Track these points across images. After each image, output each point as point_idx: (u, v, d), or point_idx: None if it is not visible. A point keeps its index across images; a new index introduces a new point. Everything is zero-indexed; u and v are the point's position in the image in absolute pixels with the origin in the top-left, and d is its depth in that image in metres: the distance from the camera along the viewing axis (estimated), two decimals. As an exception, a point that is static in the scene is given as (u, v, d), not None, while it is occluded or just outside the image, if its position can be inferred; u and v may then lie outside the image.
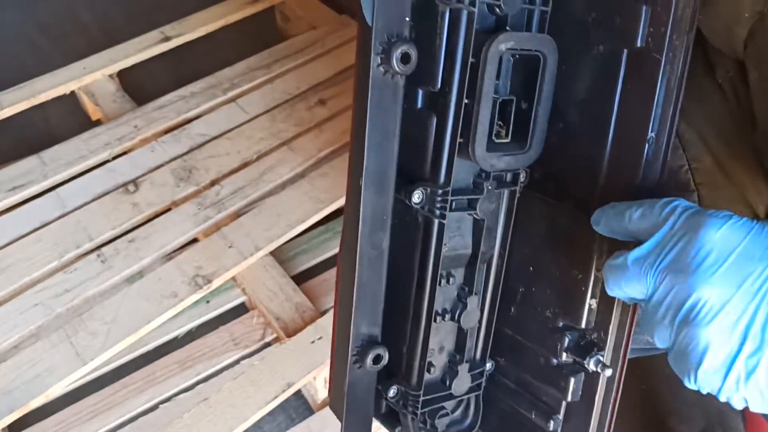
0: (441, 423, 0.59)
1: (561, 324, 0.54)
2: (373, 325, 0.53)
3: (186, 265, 1.26)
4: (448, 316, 0.57)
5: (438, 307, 0.56)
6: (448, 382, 0.58)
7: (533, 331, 0.57)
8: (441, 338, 0.58)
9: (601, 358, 0.52)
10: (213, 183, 1.42)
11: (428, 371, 0.57)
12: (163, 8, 1.96)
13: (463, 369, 0.58)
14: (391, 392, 0.57)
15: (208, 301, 1.28)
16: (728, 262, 0.38)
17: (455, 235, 0.55)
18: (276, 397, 1.11)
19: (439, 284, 0.55)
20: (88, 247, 1.30)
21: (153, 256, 1.28)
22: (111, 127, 1.53)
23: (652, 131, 0.46)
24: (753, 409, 0.40)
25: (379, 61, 0.45)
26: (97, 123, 1.62)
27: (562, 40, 0.50)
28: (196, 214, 1.35)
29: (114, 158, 1.47)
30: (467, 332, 0.58)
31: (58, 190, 1.40)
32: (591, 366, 0.52)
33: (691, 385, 0.41)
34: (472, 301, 0.56)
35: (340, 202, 1.38)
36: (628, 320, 0.51)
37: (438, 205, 0.50)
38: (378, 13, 0.43)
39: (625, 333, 0.52)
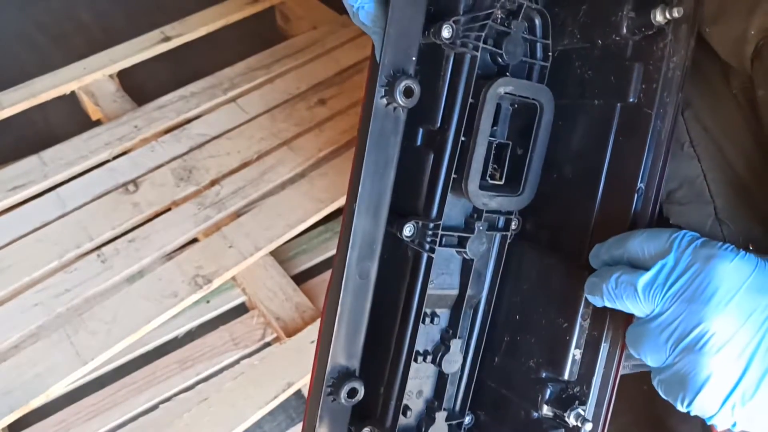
0: None
1: (544, 375, 0.53)
2: (352, 357, 0.52)
3: (186, 265, 1.26)
4: (429, 358, 0.56)
5: (419, 347, 0.55)
6: (423, 430, 0.56)
7: (515, 383, 0.56)
8: (420, 382, 0.57)
9: (581, 412, 0.51)
10: (213, 183, 1.42)
11: (404, 415, 0.56)
12: (163, 8, 1.96)
13: (441, 417, 0.57)
14: None
15: (208, 301, 1.28)
16: (738, 295, 0.39)
17: (443, 273, 0.55)
18: (276, 397, 1.11)
19: (423, 322, 0.54)
20: (88, 247, 1.30)
21: (153, 256, 1.28)
22: (111, 127, 1.53)
23: (641, 182, 0.48)
24: (739, 428, 0.41)
25: (383, 93, 0.47)
26: (97, 123, 1.62)
27: (561, 95, 0.52)
28: (196, 214, 1.35)
29: (114, 158, 1.47)
30: (448, 378, 0.57)
31: (58, 190, 1.40)
32: (571, 420, 0.51)
33: (682, 408, 0.42)
34: (455, 345, 0.56)
35: (340, 202, 1.38)
36: (613, 373, 0.51)
37: (428, 239, 0.51)
38: (386, 49, 0.46)
39: (609, 387, 0.51)
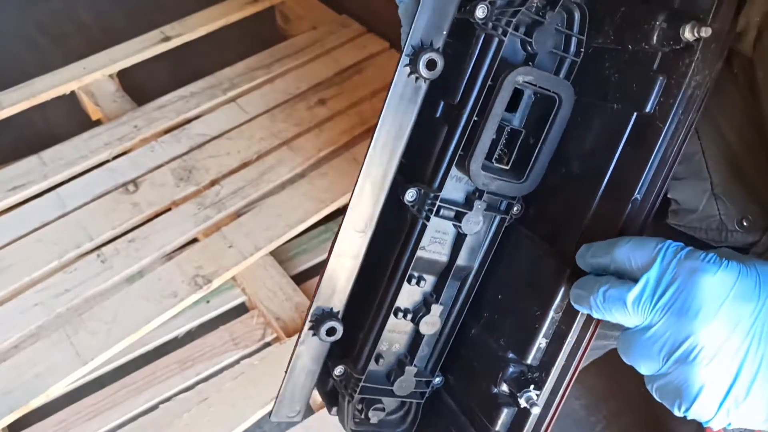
0: (374, 415, 0.61)
1: (510, 355, 0.56)
2: (338, 301, 0.56)
3: (186, 265, 1.26)
4: (409, 317, 0.59)
5: (402, 304, 0.59)
6: (392, 378, 0.60)
7: (485, 356, 0.59)
8: (398, 336, 0.60)
9: (534, 397, 0.53)
10: (213, 183, 1.42)
11: (376, 362, 0.59)
12: (163, 8, 1.96)
13: (410, 371, 0.60)
14: (338, 370, 0.59)
15: (208, 301, 1.28)
16: (723, 307, 0.41)
17: (436, 241, 0.57)
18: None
19: (409, 282, 0.58)
20: (88, 247, 1.30)
21: (153, 256, 1.28)
22: (111, 127, 1.53)
23: (638, 193, 0.49)
24: (733, 427, 0.43)
25: (408, 62, 0.48)
26: (97, 123, 1.62)
27: (585, 92, 0.53)
28: (196, 214, 1.35)
29: (114, 158, 1.47)
30: (423, 338, 0.60)
31: (58, 190, 1.40)
32: (522, 401, 0.54)
33: (678, 414, 0.44)
34: (435, 309, 0.58)
35: (340, 202, 1.38)
36: (572, 367, 0.53)
37: (426, 207, 0.53)
38: (418, 20, 0.48)
39: (566, 379, 0.54)
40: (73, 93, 1.66)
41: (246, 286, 1.28)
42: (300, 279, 1.33)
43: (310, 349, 0.57)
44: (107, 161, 1.46)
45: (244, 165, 1.46)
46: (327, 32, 1.79)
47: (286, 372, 0.58)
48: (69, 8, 2.06)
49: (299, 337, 0.56)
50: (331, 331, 0.55)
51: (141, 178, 1.42)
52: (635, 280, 0.44)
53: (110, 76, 1.69)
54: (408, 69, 0.49)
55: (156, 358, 1.21)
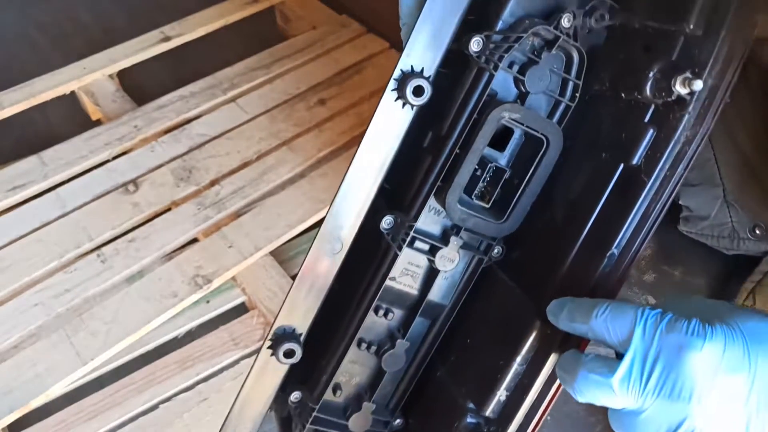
0: None
1: (469, 404, 0.54)
2: (302, 322, 0.53)
3: (186, 265, 1.26)
4: (373, 349, 0.57)
5: (368, 336, 0.56)
6: (348, 413, 0.57)
7: (444, 402, 0.56)
8: (360, 369, 0.58)
9: None
10: (213, 183, 1.42)
11: (334, 393, 0.57)
12: (163, 8, 1.96)
13: (367, 408, 0.57)
14: (293, 396, 0.57)
15: (208, 301, 1.28)
16: (717, 383, 0.39)
17: (408, 273, 0.55)
18: (276, 397, 1.11)
19: (376, 313, 0.55)
20: (88, 247, 1.30)
21: (153, 256, 1.28)
22: (111, 127, 1.53)
23: (616, 247, 0.47)
24: None
25: (395, 86, 0.48)
26: (97, 123, 1.62)
27: (576, 137, 0.51)
28: (196, 214, 1.35)
29: (114, 158, 1.47)
30: (386, 376, 0.57)
31: (58, 190, 1.40)
32: None
33: None
34: (401, 345, 0.56)
35: (340, 202, 1.38)
36: (532, 424, 0.51)
37: (401, 237, 0.51)
38: (411, 45, 0.47)
39: None
40: (73, 93, 1.66)
41: (246, 286, 1.28)
42: (300, 279, 1.33)
43: (266, 368, 0.54)
44: (107, 161, 1.46)
45: (244, 165, 1.46)
46: (327, 32, 1.79)
47: (239, 391, 0.55)
48: (69, 8, 2.06)
49: (257, 353, 0.54)
50: (289, 353, 0.52)
51: (141, 178, 1.42)
52: (617, 353, 0.42)
53: (110, 76, 1.69)
54: (395, 93, 0.48)
55: (156, 358, 1.20)
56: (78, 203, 1.37)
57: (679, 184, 0.47)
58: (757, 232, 0.61)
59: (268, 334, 0.53)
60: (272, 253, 1.32)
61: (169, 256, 1.29)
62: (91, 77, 1.66)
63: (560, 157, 0.51)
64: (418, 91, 0.47)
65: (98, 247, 1.29)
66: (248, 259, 1.28)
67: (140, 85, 1.74)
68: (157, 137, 1.51)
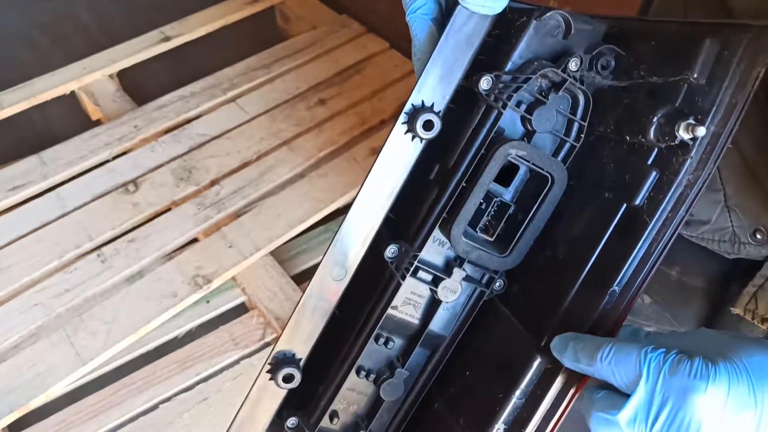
0: None
1: None
2: (302, 347, 0.54)
3: (186, 265, 1.26)
4: (372, 377, 0.57)
5: (365, 363, 0.57)
6: None
7: None
8: (358, 397, 0.58)
9: None
10: (213, 183, 1.42)
11: (331, 420, 0.57)
12: (163, 8, 1.96)
13: None
14: (290, 422, 0.57)
15: (208, 301, 1.28)
16: (724, 424, 0.39)
17: (410, 303, 0.56)
18: (276, 397, 1.11)
19: (376, 341, 0.56)
20: (88, 247, 1.30)
21: (153, 256, 1.28)
22: (111, 127, 1.53)
23: (617, 285, 0.48)
24: None
25: (405, 119, 0.49)
26: (97, 123, 1.62)
27: (580, 177, 0.53)
28: (196, 214, 1.35)
29: (114, 158, 1.47)
30: (384, 405, 0.58)
31: (58, 190, 1.40)
32: None
33: None
34: (400, 375, 0.57)
35: (340, 202, 1.38)
36: None
37: (404, 266, 0.52)
38: (423, 81, 0.48)
39: None
40: (73, 93, 1.66)
41: (246, 286, 1.28)
42: (300, 279, 1.33)
43: (265, 393, 0.54)
44: (107, 161, 1.46)
45: (244, 165, 1.46)
46: (327, 32, 1.79)
47: (237, 412, 0.55)
48: (69, 8, 2.06)
49: (256, 378, 0.54)
50: (288, 378, 0.52)
51: (141, 178, 1.42)
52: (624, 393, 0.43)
53: (110, 76, 1.69)
54: (405, 126, 0.49)
55: (156, 358, 1.20)
56: (78, 203, 1.37)
57: (681, 226, 0.48)
58: (758, 236, 0.61)
59: (268, 358, 0.53)
60: (272, 253, 1.32)
61: (169, 256, 1.29)
62: (91, 77, 1.66)
63: (563, 196, 0.52)
64: (428, 126, 0.48)
65: (98, 247, 1.29)
66: (248, 259, 1.28)
67: (140, 85, 1.74)
68: (157, 137, 1.51)
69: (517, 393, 0.51)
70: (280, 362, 0.53)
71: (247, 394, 0.54)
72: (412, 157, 0.50)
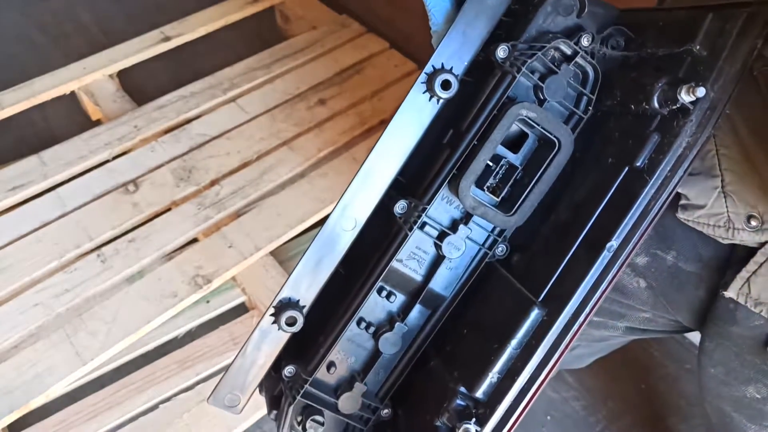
0: (311, 427, 0.59)
1: (460, 388, 0.55)
2: (307, 294, 0.55)
3: (186, 265, 1.26)
4: (371, 330, 0.59)
5: (366, 315, 0.58)
6: (339, 393, 0.59)
7: (436, 387, 0.58)
8: (356, 349, 0.59)
9: (472, 430, 0.52)
10: (213, 183, 1.42)
11: (328, 370, 0.59)
12: (163, 8, 1.97)
13: (358, 389, 0.59)
14: (288, 370, 0.58)
15: (208, 301, 1.28)
16: None
17: (415, 257, 0.58)
18: (276, 397, 1.11)
19: (379, 293, 0.58)
20: (88, 247, 1.30)
21: (153, 256, 1.28)
22: (111, 127, 1.53)
23: (615, 239, 0.51)
24: None
25: (425, 79, 0.51)
26: (97, 123, 1.62)
27: (587, 148, 0.56)
28: (196, 214, 1.35)
29: (114, 158, 1.47)
30: (380, 357, 0.59)
31: (58, 190, 1.40)
32: None
33: None
34: (399, 329, 0.58)
35: (340, 202, 1.38)
36: (520, 407, 0.53)
37: (412, 219, 0.54)
38: (444, 45, 0.51)
39: (511, 420, 0.53)
40: (73, 93, 1.66)
41: (246, 286, 1.28)
42: (300, 279, 1.33)
43: (267, 336, 0.56)
44: (107, 161, 1.46)
45: (244, 165, 1.46)
46: (327, 32, 1.79)
47: (236, 356, 0.56)
48: (69, 8, 2.06)
49: (259, 320, 0.55)
50: (291, 321, 0.54)
51: (141, 178, 1.42)
52: None
53: (110, 76, 1.69)
54: (424, 86, 0.51)
55: (156, 358, 1.21)
56: (78, 203, 1.37)
57: (677, 186, 0.50)
58: (753, 223, 0.62)
59: (272, 302, 0.54)
60: (272, 253, 1.32)
61: (169, 256, 1.29)
62: (91, 77, 1.66)
63: (569, 166, 0.55)
64: (445, 85, 0.51)
65: (98, 247, 1.30)
66: (248, 259, 1.28)
67: (140, 85, 1.75)
68: (157, 137, 1.51)
69: (513, 343, 0.53)
70: (284, 306, 0.54)
71: (249, 337, 0.55)
72: (429, 117, 0.52)
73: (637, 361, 1.30)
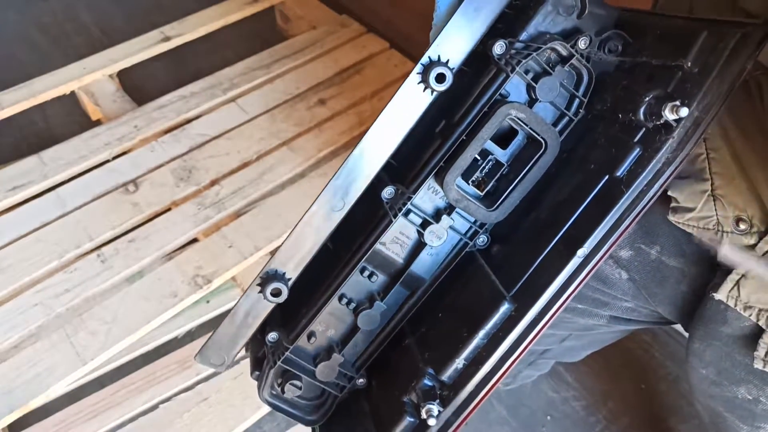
0: (290, 391, 0.63)
1: (429, 369, 0.59)
2: (293, 268, 0.58)
3: (186, 265, 1.26)
4: (352, 306, 0.62)
5: (348, 292, 0.62)
6: (317, 361, 0.62)
7: (407, 366, 0.61)
8: (336, 322, 0.63)
9: (434, 410, 0.55)
10: (213, 183, 1.42)
11: (308, 339, 0.62)
12: (163, 8, 1.97)
13: (336, 359, 0.62)
14: (271, 336, 0.61)
15: (208, 301, 1.28)
16: None
17: (397, 242, 0.61)
18: (276, 397, 1.11)
19: (361, 273, 0.61)
20: (88, 247, 1.30)
21: (153, 256, 1.28)
22: (111, 127, 1.53)
23: (586, 247, 0.52)
24: None
25: (420, 70, 0.52)
26: (97, 123, 1.62)
27: (573, 150, 0.57)
28: (196, 214, 1.35)
29: (114, 158, 1.47)
30: (358, 334, 0.63)
31: (58, 190, 1.40)
32: (423, 412, 0.56)
33: None
34: (378, 307, 0.61)
35: (340, 202, 1.38)
36: (481, 393, 0.56)
37: (398, 206, 0.56)
38: (441, 37, 0.51)
39: (472, 403, 0.56)
40: (73, 93, 1.66)
41: (246, 286, 1.28)
42: (300, 279, 1.33)
43: (253, 304, 0.58)
44: (107, 161, 1.46)
45: (244, 165, 1.46)
46: (327, 32, 1.79)
47: (224, 321, 0.59)
48: (69, 8, 2.06)
49: (246, 289, 0.58)
50: (276, 292, 0.56)
51: (141, 178, 1.42)
52: None
53: (110, 76, 1.69)
54: (419, 77, 0.52)
55: (156, 358, 1.21)
56: (78, 203, 1.37)
57: (652, 201, 0.52)
58: (741, 227, 0.62)
59: (260, 273, 0.57)
60: (272, 253, 1.32)
61: (169, 256, 1.29)
62: (91, 77, 1.66)
63: (554, 165, 0.56)
64: (440, 78, 0.51)
65: (98, 247, 1.30)
66: (248, 259, 1.28)
67: (140, 85, 1.75)
68: (157, 137, 1.51)
69: (481, 333, 0.56)
70: (270, 277, 0.57)
71: (236, 304, 0.58)
72: (422, 107, 0.53)
73: (637, 361, 1.30)
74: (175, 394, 1.15)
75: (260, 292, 0.57)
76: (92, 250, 1.29)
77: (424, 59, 0.52)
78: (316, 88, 1.64)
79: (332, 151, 1.50)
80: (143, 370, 1.19)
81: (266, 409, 1.11)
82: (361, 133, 1.60)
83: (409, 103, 0.53)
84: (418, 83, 0.52)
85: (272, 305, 0.58)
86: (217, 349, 0.61)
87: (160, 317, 1.19)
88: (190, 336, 1.26)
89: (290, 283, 0.57)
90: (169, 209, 1.38)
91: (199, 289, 1.22)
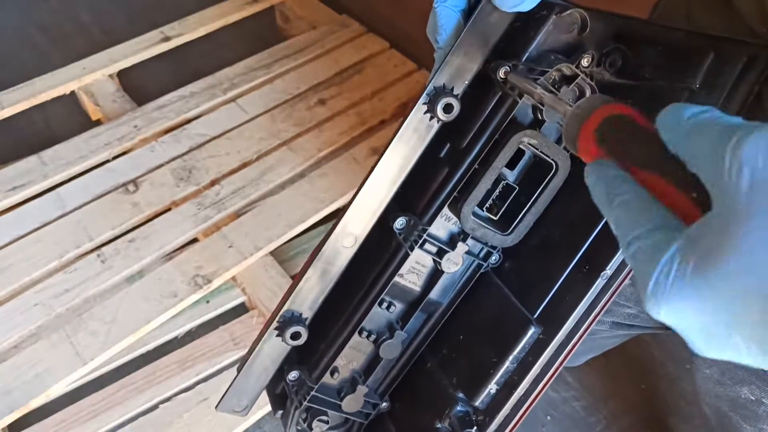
0: (318, 426, 0.63)
1: (459, 394, 0.59)
2: (309, 308, 0.57)
3: (186, 265, 1.26)
4: (372, 338, 0.61)
5: (368, 325, 0.61)
6: (342, 395, 0.62)
7: (435, 391, 0.61)
8: (357, 354, 0.62)
9: None
10: (213, 183, 1.42)
11: (331, 375, 0.62)
12: (163, 8, 1.96)
13: (361, 391, 0.62)
14: (292, 375, 0.61)
15: (208, 301, 1.28)
16: None
17: (414, 271, 0.60)
18: (276, 397, 1.11)
19: (380, 306, 0.60)
20: (88, 247, 1.30)
21: (153, 256, 1.28)
22: (111, 127, 1.53)
23: (609, 269, 0.52)
24: None
25: (426, 100, 0.51)
26: (97, 123, 1.62)
27: (580, 168, 0.55)
28: (196, 214, 1.35)
29: (114, 158, 1.47)
30: (381, 362, 0.62)
31: (58, 190, 1.40)
32: None
33: None
34: (399, 336, 0.61)
35: (340, 202, 1.38)
36: (516, 417, 0.56)
37: (413, 237, 0.55)
38: (446, 65, 0.51)
39: (508, 428, 0.56)
40: (73, 93, 1.66)
41: (246, 286, 1.28)
42: (300, 279, 1.33)
43: (271, 349, 0.58)
44: (107, 161, 1.46)
45: (244, 165, 1.46)
46: (327, 32, 1.79)
47: (241, 367, 0.59)
48: (69, 8, 2.06)
49: (263, 334, 0.57)
50: (295, 336, 0.56)
51: (141, 178, 1.42)
52: None
53: (110, 76, 1.69)
54: (425, 107, 0.51)
55: (156, 358, 1.21)
56: (78, 203, 1.37)
57: None
58: None
59: (275, 316, 0.57)
60: (272, 253, 1.32)
61: (169, 256, 1.29)
62: (91, 77, 1.66)
63: (564, 182, 0.56)
64: (447, 109, 0.51)
65: (98, 247, 1.29)
66: (248, 259, 1.28)
67: (140, 85, 1.74)
68: (157, 137, 1.51)
69: (510, 358, 0.56)
70: (288, 321, 0.56)
71: (254, 350, 0.58)
72: (429, 137, 0.53)
73: (638, 361, 1.29)
74: (175, 394, 1.15)
75: (279, 335, 0.56)
76: (92, 250, 1.29)
77: (429, 89, 0.51)
78: (316, 88, 1.64)
79: (332, 151, 1.50)
80: (143, 370, 1.18)
81: (266, 409, 1.10)
82: (361, 133, 1.61)
83: (416, 135, 0.52)
84: (425, 113, 0.52)
85: (289, 348, 0.58)
86: (238, 397, 0.60)
87: (160, 317, 1.19)
88: (190, 336, 1.25)
89: (307, 322, 0.57)
90: (169, 209, 1.38)
91: (199, 289, 1.22)
